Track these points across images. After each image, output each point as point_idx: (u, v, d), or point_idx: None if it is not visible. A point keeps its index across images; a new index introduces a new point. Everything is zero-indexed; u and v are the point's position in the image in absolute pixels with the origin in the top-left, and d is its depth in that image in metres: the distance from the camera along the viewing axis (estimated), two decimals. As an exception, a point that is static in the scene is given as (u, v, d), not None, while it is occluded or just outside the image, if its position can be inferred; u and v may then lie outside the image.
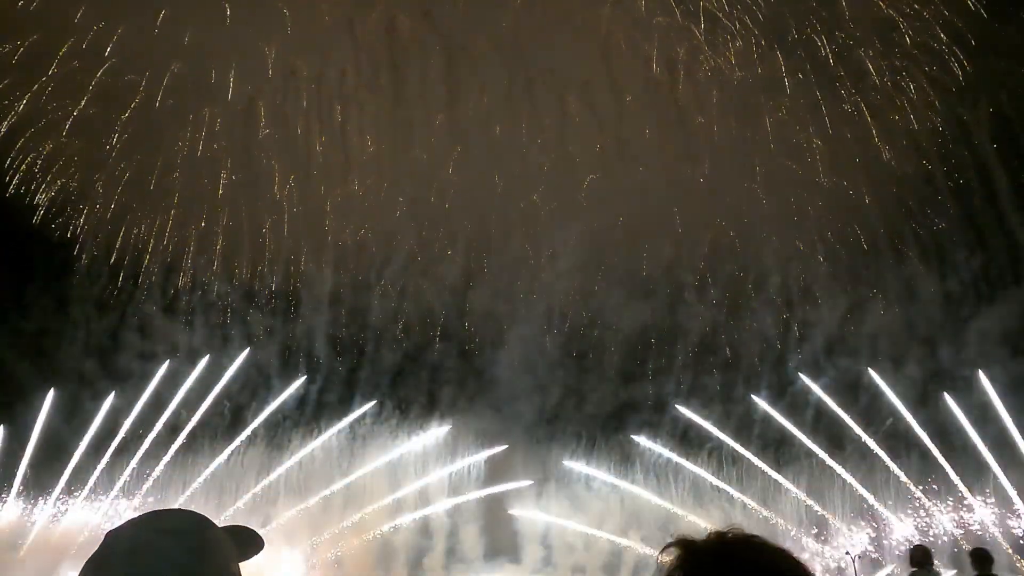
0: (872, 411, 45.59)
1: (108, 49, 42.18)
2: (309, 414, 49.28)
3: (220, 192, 46.62)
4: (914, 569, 13.66)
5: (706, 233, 49.10)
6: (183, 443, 47.31)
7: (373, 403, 49.42)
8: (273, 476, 46.88)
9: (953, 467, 43.50)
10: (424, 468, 48.38)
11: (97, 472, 45.71)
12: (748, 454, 46.84)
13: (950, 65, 43.72)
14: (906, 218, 48.41)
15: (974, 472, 43.13)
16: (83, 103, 44.66)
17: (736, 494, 46.86)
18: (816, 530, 45.66)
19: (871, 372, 46.11)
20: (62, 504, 45.39)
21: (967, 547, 37.31)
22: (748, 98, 45.81)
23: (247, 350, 49.50)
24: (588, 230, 50.98)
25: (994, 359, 43.90)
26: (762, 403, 47.26)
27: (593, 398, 51.63)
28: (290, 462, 47.42)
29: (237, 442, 47.22)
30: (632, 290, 51.97)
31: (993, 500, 42.72)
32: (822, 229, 49.24)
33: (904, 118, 45.68)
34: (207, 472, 46.56)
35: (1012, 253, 46.29)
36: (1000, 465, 42.36)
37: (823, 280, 49.60)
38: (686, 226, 48.95)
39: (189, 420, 47.36)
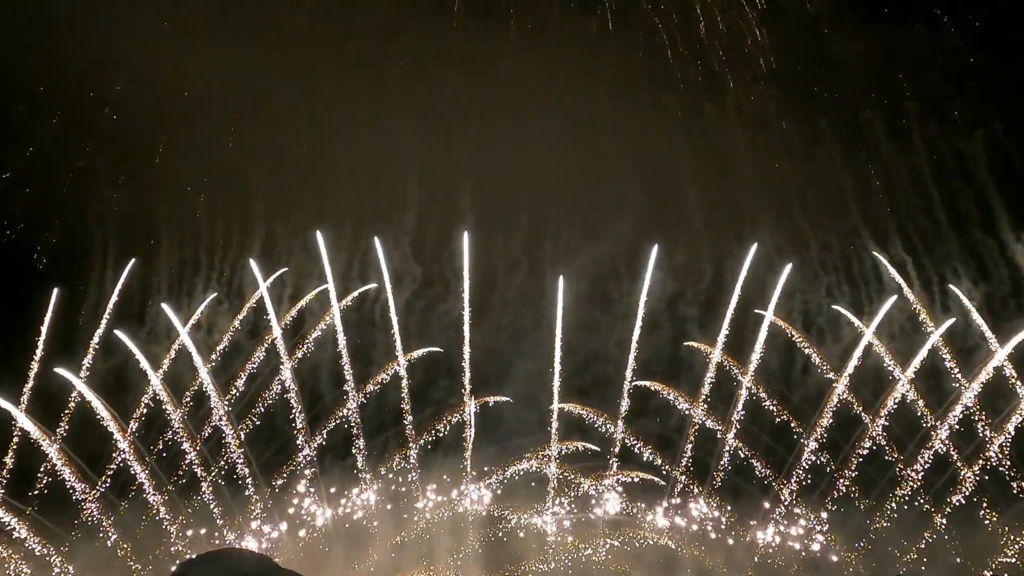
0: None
1: (107, 107, 42.99)
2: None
3: (221, 242, 47.11)
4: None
5: (700, 272, 49.54)
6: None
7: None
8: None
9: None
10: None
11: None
12: None
13: (944, 106, 44.21)
14: (907, 250, 49.03)
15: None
16: (85, 155, 45.36)
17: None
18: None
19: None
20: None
21: None
22: (749, 143, 46.34)
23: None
24: (589, 264, 51.65)
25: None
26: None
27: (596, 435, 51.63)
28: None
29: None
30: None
31: None
32: (823, 263, 49.69)
33: (901, 154, 46.20)
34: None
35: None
36: None
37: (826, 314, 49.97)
38: (679, 263, 49.43)
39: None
